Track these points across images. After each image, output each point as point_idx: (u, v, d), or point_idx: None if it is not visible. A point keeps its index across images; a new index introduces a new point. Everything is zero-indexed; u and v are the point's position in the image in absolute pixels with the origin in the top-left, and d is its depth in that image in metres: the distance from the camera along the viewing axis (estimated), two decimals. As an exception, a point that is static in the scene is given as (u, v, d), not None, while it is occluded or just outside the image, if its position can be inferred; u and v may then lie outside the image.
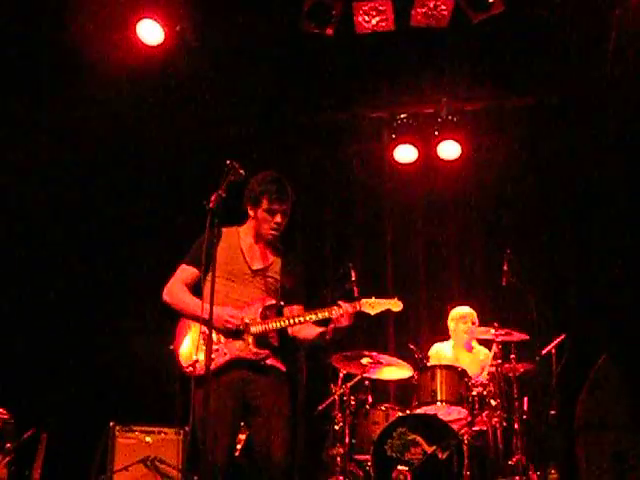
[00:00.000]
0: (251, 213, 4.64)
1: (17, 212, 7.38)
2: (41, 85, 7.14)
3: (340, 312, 4.41)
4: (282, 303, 4.65)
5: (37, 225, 7.46)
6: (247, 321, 4.47)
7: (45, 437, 6.44)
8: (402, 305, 4.60)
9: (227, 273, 4.54)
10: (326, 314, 4.44)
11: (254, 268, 4.63)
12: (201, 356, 4.29)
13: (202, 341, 4.42)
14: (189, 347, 4.48)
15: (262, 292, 4.61)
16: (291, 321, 4.50)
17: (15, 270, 7.52)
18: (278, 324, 4.49)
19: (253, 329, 4.47)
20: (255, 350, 4.46)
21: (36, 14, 6.67)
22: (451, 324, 7.08)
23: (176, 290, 4.62)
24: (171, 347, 4.55)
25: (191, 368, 4.37)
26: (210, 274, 4.44)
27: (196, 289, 4.64)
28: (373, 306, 4.51)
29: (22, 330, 7.30)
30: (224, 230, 4.57)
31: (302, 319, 4.49)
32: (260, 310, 4.52)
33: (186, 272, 4.65)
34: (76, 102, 7.23)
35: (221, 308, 4.35)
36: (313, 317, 4.48)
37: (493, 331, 6.03)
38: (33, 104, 7.15)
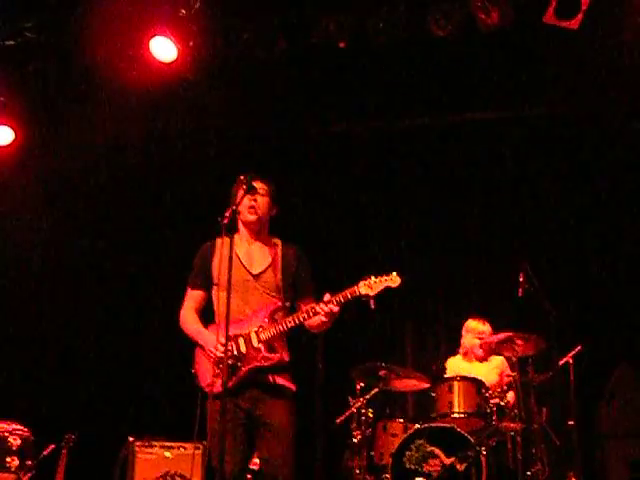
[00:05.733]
0: (236, 211, 4.44)
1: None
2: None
3: (326, 309, 4.30)
4: (287, 303, 4.56)
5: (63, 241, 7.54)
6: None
7: (65, 453, 6.49)
8: (400, 280, 4.36)
9: (227, 283, 4.37)
10: (317, 309, 4.33)
11: (254, 273, 4.54)
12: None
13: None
14: (207, 367, 4.44)
15: (267, 295, 4.53)
16: (296, 320, 4.40)
17: (34, 286, 7.60)
18: (286, 325, 4.40)
19: (263, 335, 4.41)
20: (267, 355, 4.41)
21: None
22: (466, 336, 6.97)
23: (186, 318, 4.62)
24: (192, 371, 4.53)
25: (211, 386, 4.33)
26: (215, 288, 4.48)
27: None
28: (371, 286, 4.31)
29: (41, 347, 7.35)
30: (217, 241, 4.50)
31: (303, 317, 4.38)
32: (267, 315, 4.46)
33: (193, 296, 4.64)
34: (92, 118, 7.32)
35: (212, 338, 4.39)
36: (304, 316, 4.37)
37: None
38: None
